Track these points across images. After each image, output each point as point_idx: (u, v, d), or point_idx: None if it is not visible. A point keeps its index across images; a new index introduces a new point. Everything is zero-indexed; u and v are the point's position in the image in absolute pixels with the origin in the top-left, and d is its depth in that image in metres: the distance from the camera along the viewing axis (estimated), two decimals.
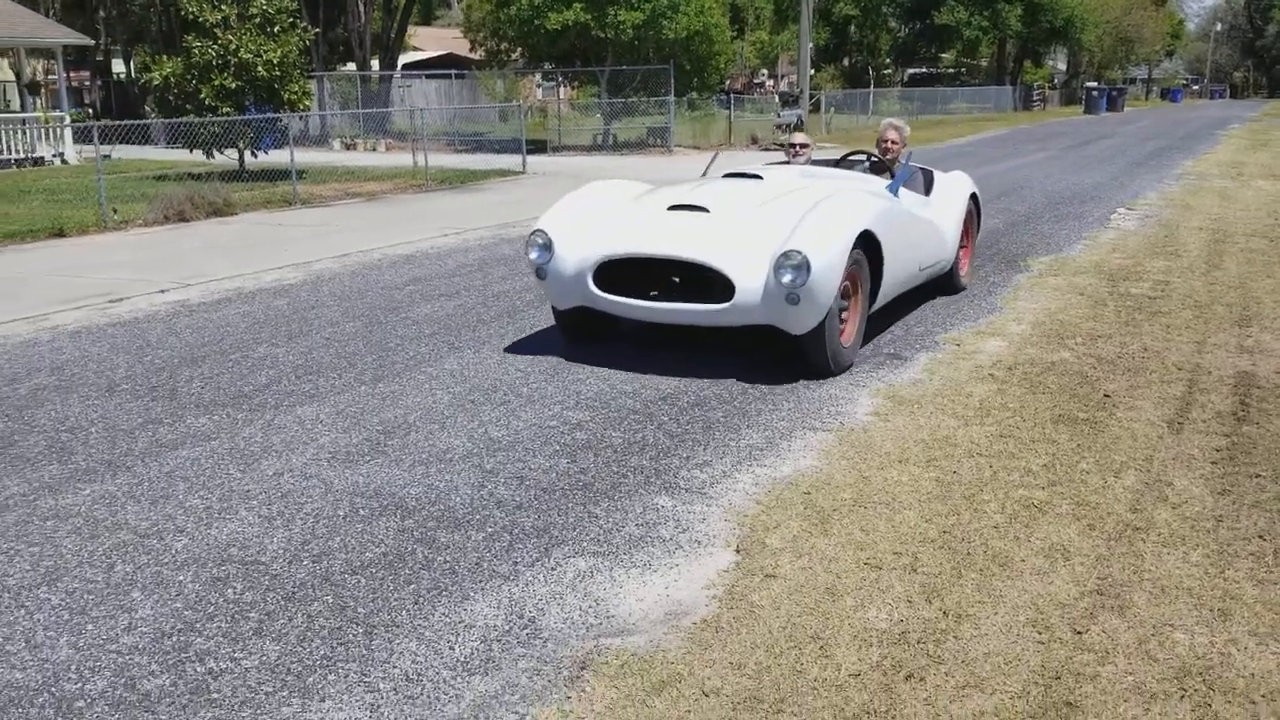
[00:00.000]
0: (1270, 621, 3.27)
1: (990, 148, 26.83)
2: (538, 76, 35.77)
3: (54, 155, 22.63)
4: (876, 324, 6.96)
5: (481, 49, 31.41)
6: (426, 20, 53.61)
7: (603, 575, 3.60)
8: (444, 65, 38.20)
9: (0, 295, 8.62)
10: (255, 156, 18.43)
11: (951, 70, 59.78)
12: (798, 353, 5.79)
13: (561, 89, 32.56)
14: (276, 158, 18.43)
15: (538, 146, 25.58)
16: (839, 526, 3.95)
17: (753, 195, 6.25)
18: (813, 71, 39.76)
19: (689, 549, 3.80)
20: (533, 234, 6.16)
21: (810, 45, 33.49)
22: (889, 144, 7.80)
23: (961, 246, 8.12)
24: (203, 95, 17.23)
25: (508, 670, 3.03)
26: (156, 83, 17.61)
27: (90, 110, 31.68)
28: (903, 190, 7.13)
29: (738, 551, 3.76)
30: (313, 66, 27.50)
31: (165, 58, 17.83)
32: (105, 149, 23.13)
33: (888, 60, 58.07)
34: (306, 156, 18.58)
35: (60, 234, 12.02)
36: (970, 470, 4.51)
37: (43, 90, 26.57)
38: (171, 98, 17.57)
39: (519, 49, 29.77)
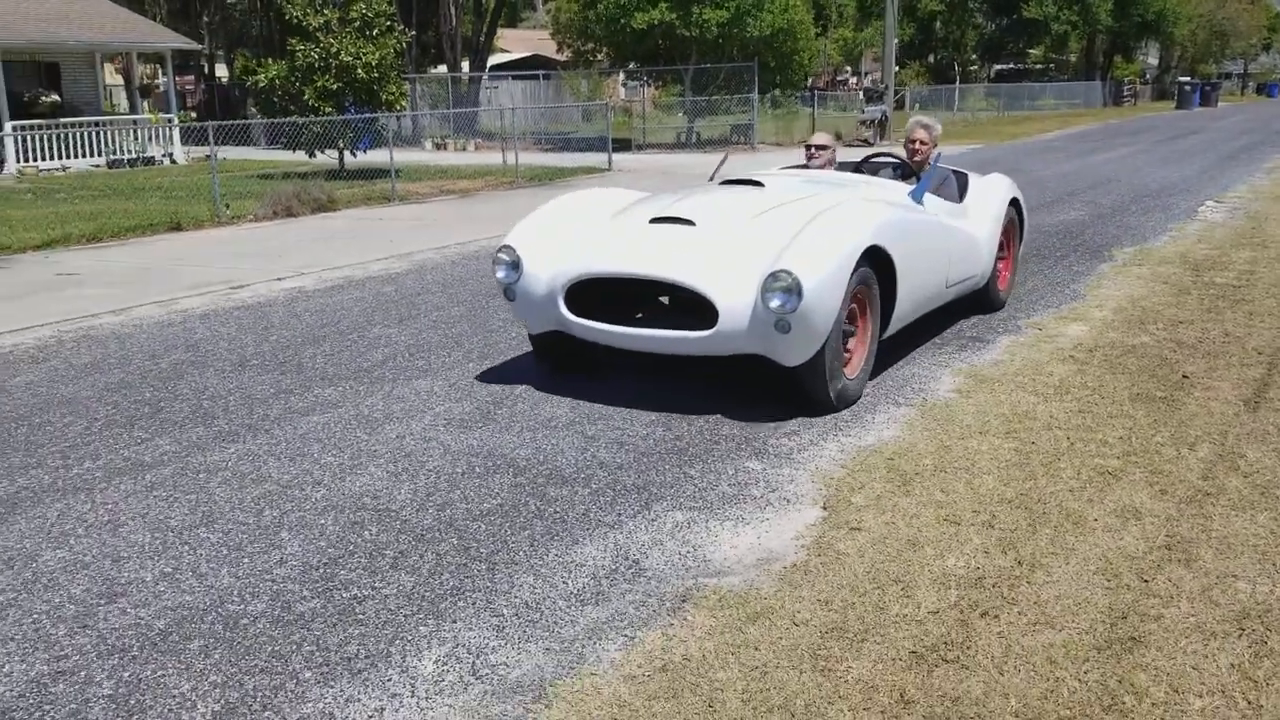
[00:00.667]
0: None
1: (1077, 142, 26.55)
2: (622, 76, 36.25)
3: (163, 155, 23.68)
4: (939, 320, 7.16)
5: (568, 49, 32.00)
6: (512, 23, 54.49)
7: (699, 526, 3.93)
8: (530, 66, 38.91)
9: (132, 282, 9.26)
10: (354, 156, 19.14)
11: (1040, 66, 58.88)
12: (794, 388, 5.12)
13: (646, 88, 32.96)
14: (373, 157, 19.14)
15: (622, 145, 26.00)
16: (920, 488, 4.22)
17: (747, 206, 5.48)
18: (897, 68, 39.59)
19: (778, 506, 4.10)
20: (499, 250, 5.50)
21: (895, 41, 33.40)
22: (917, 145, 7.00)
23: (1000, 258, 7.26)
24: (306, 96, 17.97)
25: (616, 602, 3.37)
26: (262, 84, 18.40)
27: (194, 113, 32.97)
28: (930, 197, 6.38)
29: (824, 509, 4.06)
30: (407, 69, 28.30)
31: (271, 60, 18.60)
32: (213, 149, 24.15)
33: (974, 56, 57.40)
34: (401, 156, 19.24)
35: (178, 228, 12.75)
36: (1048, 441, 4.74)
37: (151, 93, 27.74)
38: (276, 99, 18.35)
39: (604, 49, 30.25)
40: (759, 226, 5.23)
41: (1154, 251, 9.75)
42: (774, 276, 4.70)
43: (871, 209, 5.44)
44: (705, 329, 4.92)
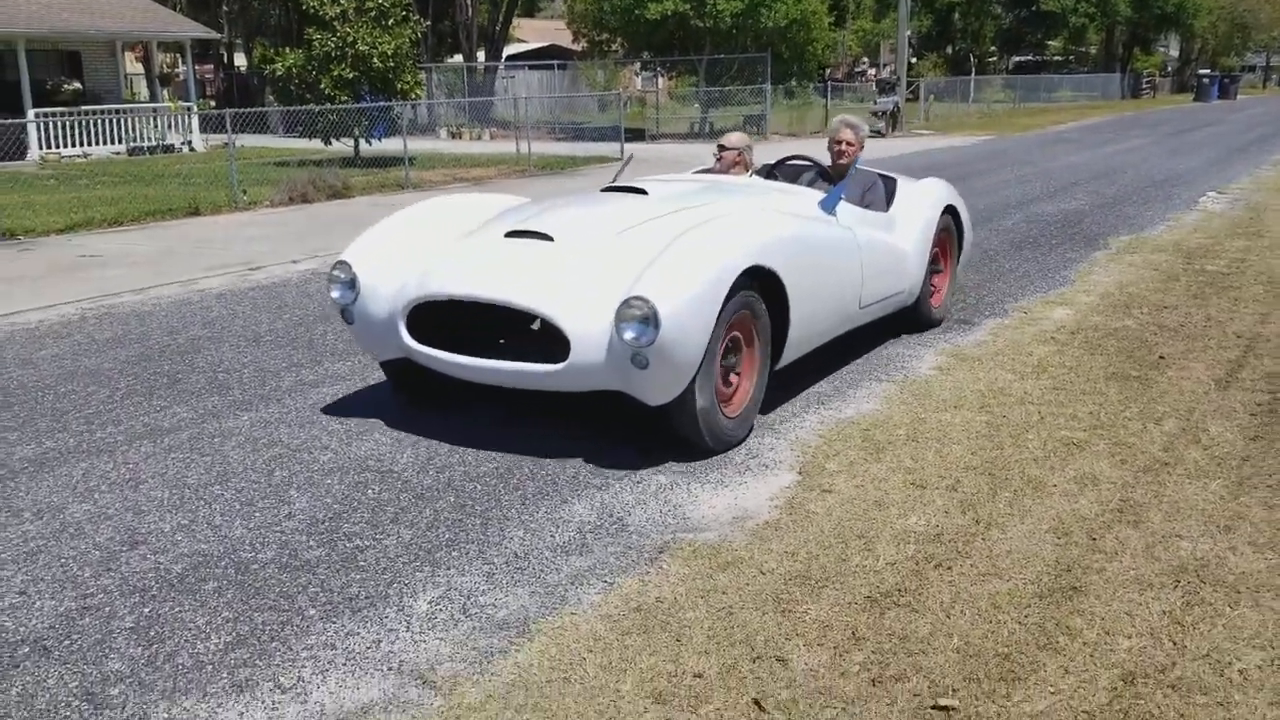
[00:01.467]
0: (1270, 535, 3.70)
1: (1091, 134, 26.65)
2: (636, 66, 36.46)
3: (183, 143, 24.04)
4: (866, 338, 7.37)
5: (583, 40, 32.23)
6: (530, 12, 54.72)
7: (681, 488, 4.19)
8: (546, 56, 39.13)
9: (152, 264, 9.58)
10: (369, 144, 19.44)
11: (1058, 58, 58.77)
12: (665, 427, 4.50)
13: (660, 78, 33.17)
14: (388, 145, 19.45)
15: (636, 135, 26.24)
16: (891, 456, 4.47)
17: (618, 218, 4.83)
18: (914, 59, 39.70)
19: (757, 471, 4.36)
20: (334, 267, 4.90)
21: (910, 32, 33.50)
22: (843, 146, 6.29)
23: (935, 271, 6.61)
24: (322, 85, 18.27)
25: (599, 553, 3.64)
26: (280, 73, 18.71)
27: (213, 101, 33.36)
28: (847, 206, 5.68)
29: (799, 473, 4.31)
30: (422, 58, 28.59)
31: (288, 49, 18.91)
32: (229, 137, 24.51)
33: (992, 48, 57.34)
34: (416, 144, 19.54)
35: (196, 213, 13.07)
36: (1019, 415, 4.98)
37: (171, 81, 28.11)
38: (293, 87, 18.65)
39: (619, 39, 30.49)
40: (623, 243, 4.55)
41: (1149, 240, 9.94)
42: (628, 304, 4.07)
43: (755, 223, 4.77)
44: (557, 362, 4.27)
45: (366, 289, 4.79)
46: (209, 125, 23.82)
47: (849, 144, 6.31)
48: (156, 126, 23.68)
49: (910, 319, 6.46)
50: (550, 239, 4.61)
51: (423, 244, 4.90)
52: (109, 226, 12.17)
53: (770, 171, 6.42)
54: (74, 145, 21.89)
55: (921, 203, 6.47)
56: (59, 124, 21.48)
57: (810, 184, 6.13)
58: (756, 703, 2.76)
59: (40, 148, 21.22)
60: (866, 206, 5.99)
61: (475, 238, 4.86)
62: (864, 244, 5.52)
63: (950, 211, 6.73)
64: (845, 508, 3.95)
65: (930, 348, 6.21)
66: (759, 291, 4.53)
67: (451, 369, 4.58)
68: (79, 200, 13.95)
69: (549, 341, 4.39)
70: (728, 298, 4.26)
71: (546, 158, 20.25)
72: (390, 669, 2.95)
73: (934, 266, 6.56)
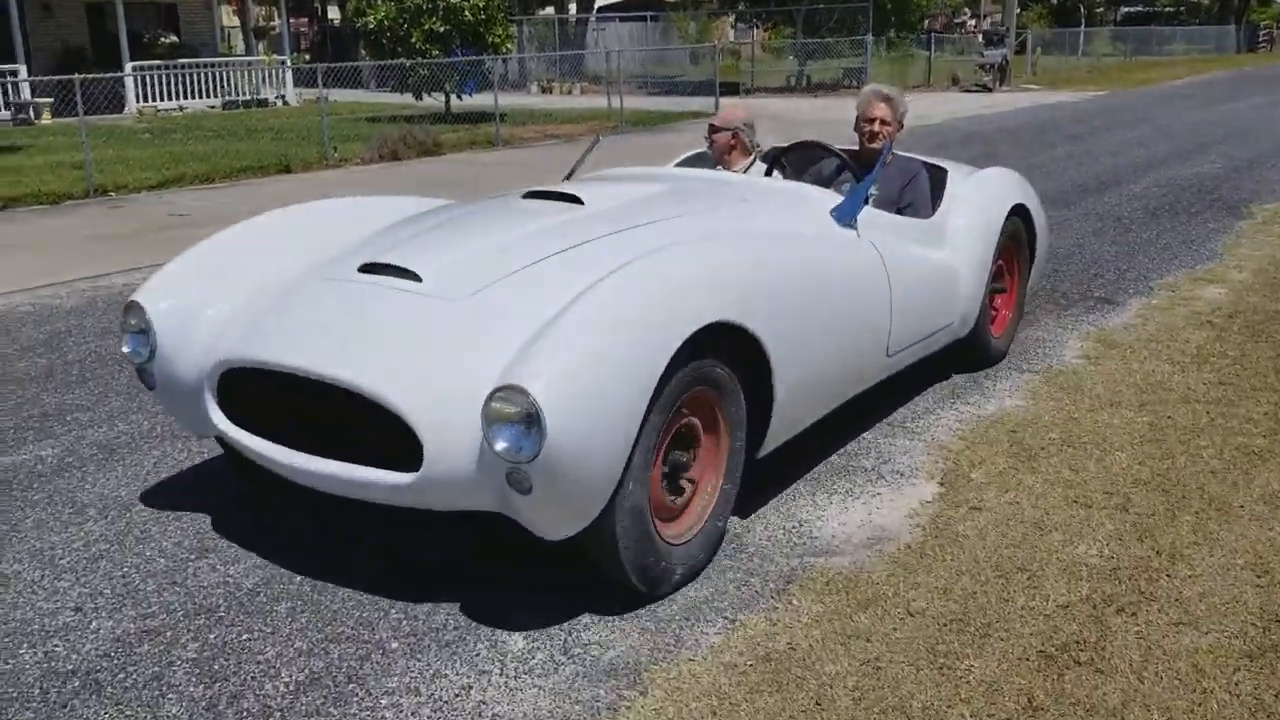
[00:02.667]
0: None
1: (1209, 89, 25.15)
2: (731, 17, 35.49)
3: (276, 97, 23.99)
4: (1056, 280, 6.70)
5: None
6: None
7: (804, 500, 3.70)
8: (638, 7, 38.31)
9: None
10: (460, 99, 19.10)
11: (1169, 9, 55.95)
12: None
13: (755, 30, 32.22)
14: (479, 100, 19.09)
15: (730, 89, 25.45)
16: (1046, 464, 3.93)
17: (523, 247, 3.31)
18: (1018, 10, 37.95)
19: (891, 480, 3.85)
20: (126, 311, 3.47)
21: None
22: (876, 125, 4.54)
23: (996, 290, 4.98)
24: (413, 39, 17.93)
25: (716, 580, 3.18)
26: (371, 26, 18.40)
27: (306, 54, 33.37)
28: (877, 215, 4.16)
29: (941, 484, 3.80)
30: (513, 10, 28.12)
31: (380, 2, 18.58)
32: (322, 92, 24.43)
33: None
34: (506, 99, 19.11)
35: (287, 170, 12.85)
36: (1186, 416, 4.38)
37: (266, 35, 28.12)
38: (385, 41, 18.34)
39: None
40: (518, 290, 3.07)
41: None
42: (497, 398, 2.61)
43: (720, 256, 3.25)
44: (408, 470, 2.81)
45: (166, 344, 3.35)
46: (302, 79, 23.71)
47: (884, 122, 4.53)
48: (251, 80, 23.65)
49: (960, 354, 4.84)
50: (417, 278, 3.13)
51: (251, 279, 3.47)
52: (200, 184, 12.00)
53: (777, 160, 4.76)
54: (170, 99, 21.94)
55: (980, 202, 4.77)
56: (155, 77, 21.53)
57: (828, 179, 4.61)
58: None
59: (137, 101, 21.30)
60: (905, 208, 4.47)
61: (320, 274, 3.36)
62: (897, 266, 3.96)
63: (1019, 212, 5.02)
64: (1000, 531, 3.43)
65: (1073, 331, 5.60)
66: (726, 356, 3.08)
67: (272, 464, 3.09)
68: (172, 156, 13.83)
69: (400, 441, 2.80)
70: (666, 377, 2.80)
71: (639, 113, 19.68)
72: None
73: (996, 284, 4.92)
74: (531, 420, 2.57)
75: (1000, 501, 3.63)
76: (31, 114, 19.45)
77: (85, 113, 11.83)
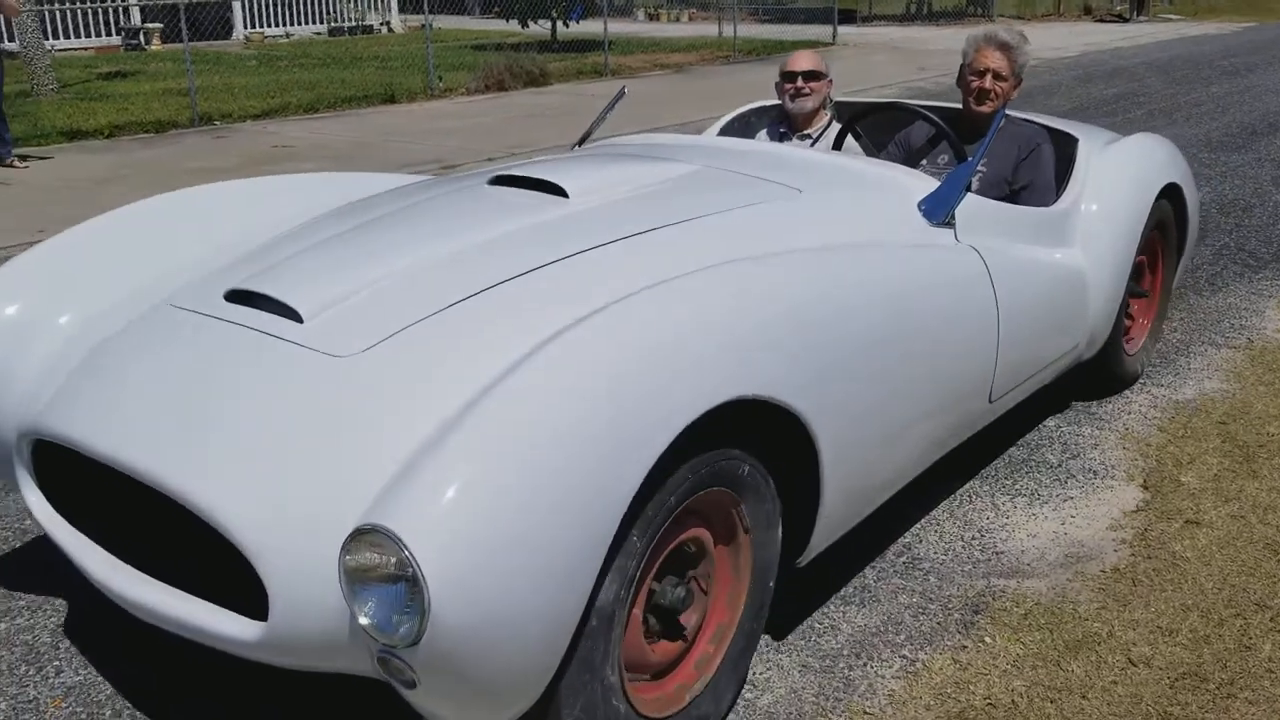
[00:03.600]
0: None
1: None
2: None
3: (381, 24, 23.68)
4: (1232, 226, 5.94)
5: None
6: None
7: (983, 501, 3.18)
8: None
9: (343, 158, 8.99)
10: (566, 26, 18.51)
11: None
12: None
13: None
14: (585, 28, 18.47)
15: (845, 16, 24.32)
16: (1269, 466, 3.32)
17: (457, 271, 2.31)
18: None
19: (1082, 478, 3.30)
20: None
21: None
22: (986, 80, 3.46)
23: (1139, 294, 3.89)
24: None
25: (888, 604, 2.69)
26: None
27: None
28: (979, 204, 3.04)
29: (1145, 488, 3.22)
30: None
31: None
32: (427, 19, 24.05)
33: None
34: (612, 27, 18.42)
35: (391, 100, 12.49)
36: None
37: None
38: None
39: None
40: (430, 345, 2.10)
41: None
42: (360, 543, 1.67)
43: (740, 293, 2.18)
44: (259, 617, 1.87)
45: None
46: (407, 6, 23.34)
47: (997, 76, 3.44)
48: (356, 7, 23.36)
49: (1089, 376, 3.72)
50: (297, 317, 2.18)
51: (99, 299, 2.56)
52: (305, 113, 11.71)
53: (851, 125, 3.68)
54: (277, 25, 21.78)
55: (1122, 181, 3.59)
56: (263, 3, 21.37)
57: (920, 152, 3.59)
58: None
59: (245, 27, 21.18)
60: (1020, 191, 3.42)
61: (181, 298, 2.44)
62: (1008, 278, 2.88)
63: (1170, 194, 3.82)
64: (1227, 554, 2.86)
65: (1270, 298, 4.90)
66: (751, 441, 2.12)
67: (94, 580, 2.14)
68: (277, 84, 13.57)
69: (247, 576, 1.88)
70: (645, 493, 1.84)
71: (751, 41, 18.84)
72: None
73: (1134, 286, 3.74)
74: (410, 580, 1.60)
75: (1221, 515, 3.05)
76: (142, 39, 19.43)
77: (193, 39, 11.59)
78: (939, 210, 2.87)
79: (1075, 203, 3.43)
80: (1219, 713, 2.27)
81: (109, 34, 19.50)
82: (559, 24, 18.51)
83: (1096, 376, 3.73)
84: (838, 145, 3.62)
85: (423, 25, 20.62)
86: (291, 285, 2.27)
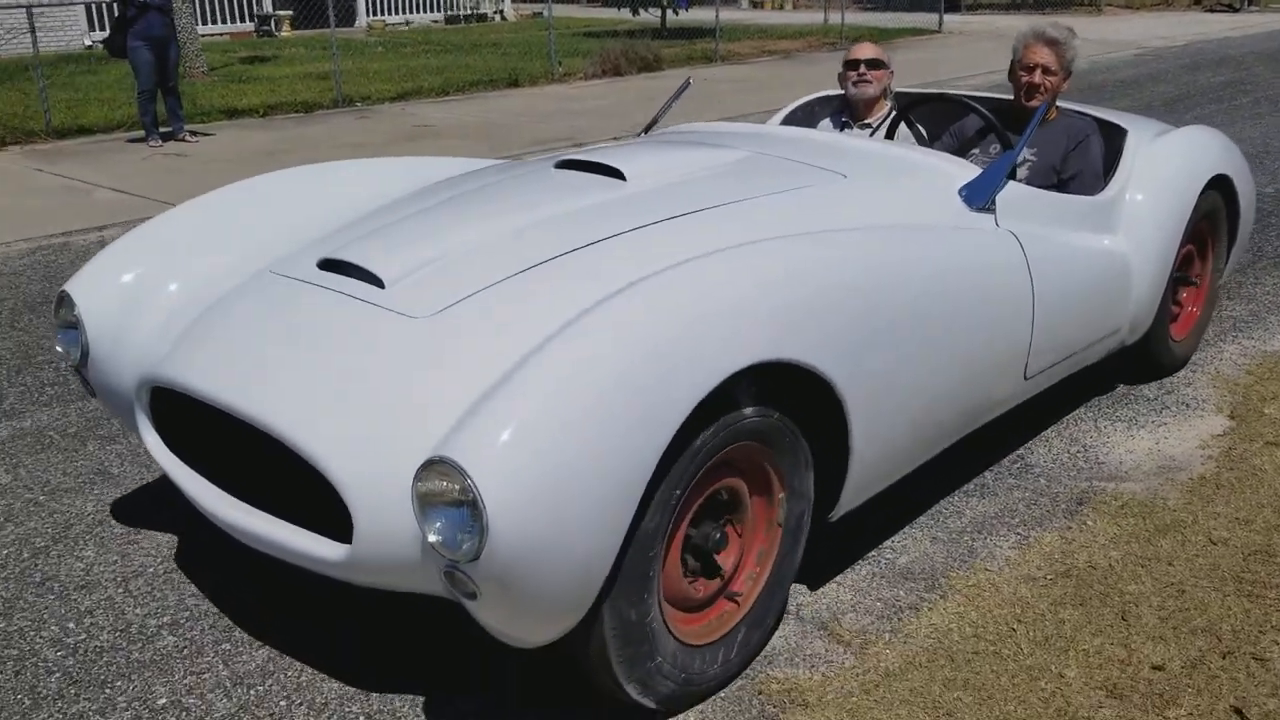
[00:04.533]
0: None
1: None
2: None
3: (494, 12, 24.51)
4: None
5: None
6: None
7: (1086, 424, 3.67)
8: None
9: (480, 136, 9.70)
10: (676, 14, 19.06)
11: None
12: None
13: None
14: (693, 15, 19.03)
15: (950, 4, 24.41)
16: None
17: (522, 245, 2.60)
18: None
19: (1176, 410, 3.77)
20: (58, 300, 2.95)
21: None
22: (1035, 75, 3.63)
23: (1185, 281, 4.03)
24: None
25: (1004, 497, 3.22)
26: None
27: None
28: (1022, 192, 3.23)
29: (1231, 417, 3.69)
30: None
31: None
32: (537, 6, 24.80)
33: None
34: (720, 14, 18.96)
35: (515, 84, 13.21)
36: None
37: None
38: None
39: None
40: (495, 309, 2.39)
41: None
42: (430, 473, 1.97)
43: (774, 266, 2.41)
44: (343, 540, 2.19)
45: (100, 345, 2.82)
46: None
47: (1046, 71, 3.62)
48: None
49: (1135, 360, 3.90)
50: (379, 283, 2.50)
51: (208, 268, 2.92)
52: (436, 96, 12.48)
53: (905, 115, 3.88)
54: (396, 13, 22.73)
55: (1169, 171, 3.74)
56: None
57: (971, 142, 3.80)
58: (1238, 711, 2.30)
59: (367, 15, 22.17)
60: (1069, 180, 3.61)
61: (279, 266, 2.79)
62: (1045, 262, 3.07)
63: (1219, 184, 3.96)
64: None
65: None
66: (782, 403, 2.34)
67: (201, 508, 2.50)
68: (407, 69, 14.39)
69: (335, 504, 2.19)
70: (681, 441, 2.10)
71: (857, 28, 19.17)
72: (788, 613, 2.68)
73: (1182, 275, 3.96)
74: (472, 505, 1.89)
75: None
76: (273, 26, 20.52)
77: (320, 25, 12.39)
78: (979, 196, 3.06)
79: (1121, 192, 3.60)
80: None
81: (243, 20, 20.63)
82: (668, 12, 19.07)
83: (1142, 361, 3.90)
84: (890, 134, 3.84)
85: (535, 14, 21.22)
86: (375, 255, 2.58)
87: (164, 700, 2.42)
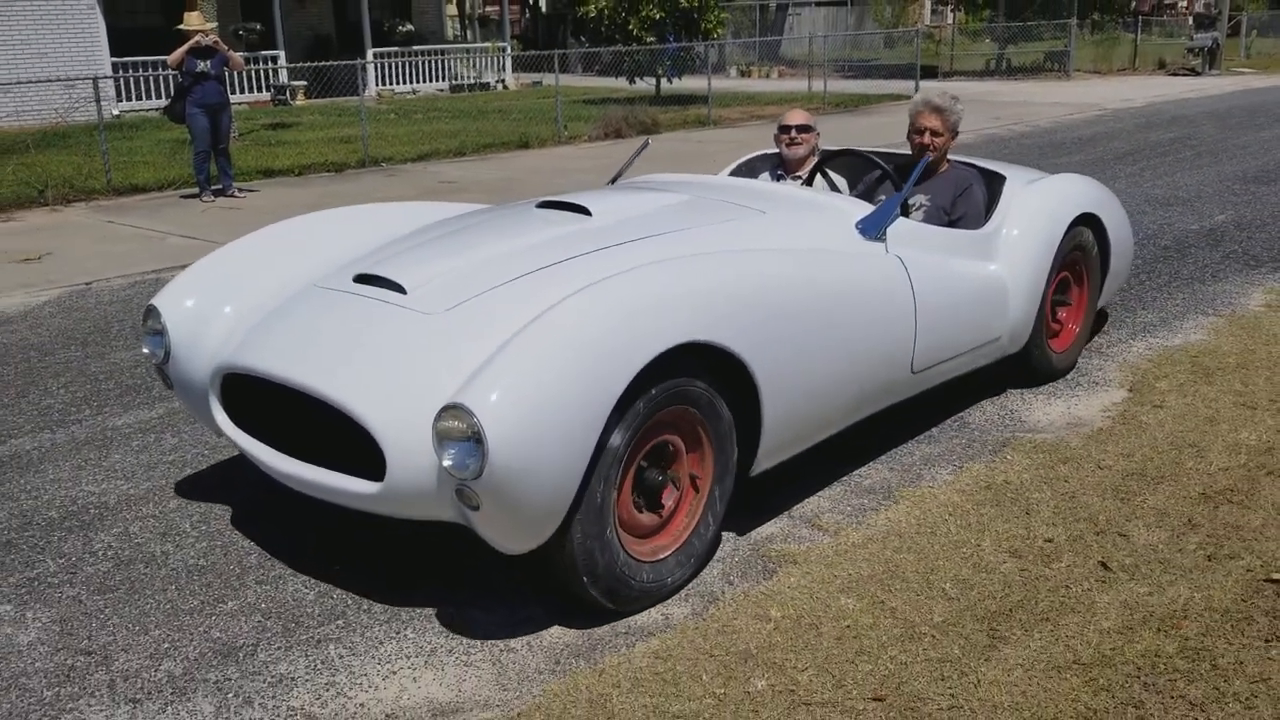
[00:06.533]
0: None
1: None
2: (927, 1, 35.60)
3: (496, 81, 25.82)
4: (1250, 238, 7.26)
5: None
6: None
7: (1014, 396, 4.65)
8: None
9: (500, 190, 10.75)
10: (670, 82, 20.33)
11: None
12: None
13: (954, 12, 32.30)
14: (685, 84, 20.27)
15: (927, 72, 25.81)
16: (1221, 380, 4.75)
17: (509, 261, 3.43)
18: None
19: (1088, 387, 4.76)
20: (145, 313, 3.78)
21: None
22: (925, 137, 4.53)
23: (1061, 303, 4.85)
24: (630, 26, 19.26)
25: (945, 443, 4.19)
26: (591, 15, 19.84)
27: (517, 40, 35.37)
28: (908, 226, 4.07)
29: (1130, 390, 4.68)
30: None
31: None
32: (535, 76, 26.17)
33: None
34: (709, 83, 20.28)
35: (525, 145, 14.34)
36: None
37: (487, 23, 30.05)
38: (603, 28, 19.74)
39: None
40: (494, 306, 3.20)
41: None
42: (446, 415, 2.77)
43: (700, 272, 3.23)
44: (376, 479, 2.98)
45: (180, 346, 3.64)
46: (518, 65, 25.44)
47: (934, 133, 4.51)
48: (474, 66, 25.53)
49: (1018, 369, 4.71)
50: (402, 290, 3.32)
51: (263, 285, 3.75)
52: (452, 156, 13.58)
53: (821, 168, 4.85)
54: (403, 82, 24.01)
55: (1038, 211, 4.57)
56: (392, 63, 23.62)
57: (872, 189, 4.69)
58: (1103, 564, 3.25)
59: (376, 84, 23.43)
60: (958, 220, 4.48)
61: (322, 281, 3.62)
62: (927, 280, 3.90)
63: (1087, 221, 4.80)
64: (1177, 421, 4.30)
65: (1259, 286, 6.28)
66: (709, 375, 3.14)
67: (260, 464, 3.34)
68: (422, 133, 15.53)
69: (369, 451, 2.99)
70: (629, 396, 2.89)
71: (840, 95, 20.46)
72: (781, 512, 3.64)
73: (1060, 298, 4.82)
74: (469, 439, 2.70)
75: (1179, 402, 4.50)
76: (289, 95, 21.74)
77: (331, 94, 13.48)
78: (872, 228, 3.91)
79: (999, 228, 4.46)
80: (1151, 489, 3.72)
81: (260, 90, 21.86)
82: (663, 80, 20.35)
83: (1025, 368, 4.71)
84: (809, 182, 4.77)
85: (534, 83, 22.47)
86: (399, 270, 3.41)
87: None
